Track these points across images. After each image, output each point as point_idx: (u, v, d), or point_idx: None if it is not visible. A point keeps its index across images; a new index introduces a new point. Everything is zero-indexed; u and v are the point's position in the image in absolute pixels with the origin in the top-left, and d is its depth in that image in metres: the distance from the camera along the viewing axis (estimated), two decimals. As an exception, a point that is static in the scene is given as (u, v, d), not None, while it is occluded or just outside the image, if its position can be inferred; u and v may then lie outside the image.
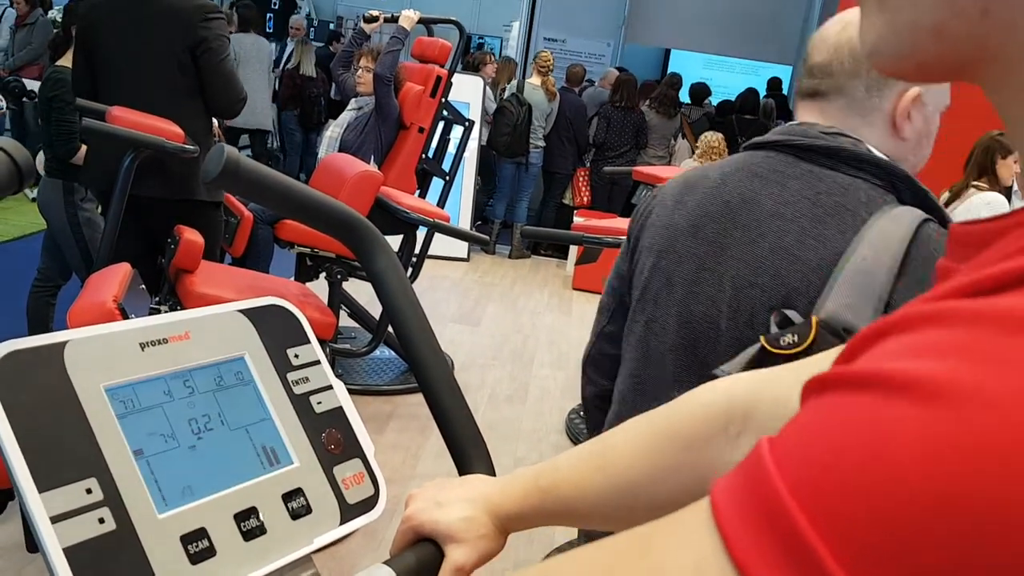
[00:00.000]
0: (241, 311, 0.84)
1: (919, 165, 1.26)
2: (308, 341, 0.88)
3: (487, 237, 4.32)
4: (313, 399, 0.84)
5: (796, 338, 0.93)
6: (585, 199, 7.79)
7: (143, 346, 0.75)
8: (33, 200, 6.24)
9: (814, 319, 0.94)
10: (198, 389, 0.77)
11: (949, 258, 0.43)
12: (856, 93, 1.21)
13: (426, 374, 0.93)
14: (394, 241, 4.66)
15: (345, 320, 4.34)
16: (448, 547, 0.79)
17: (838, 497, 0.32)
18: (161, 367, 0.75)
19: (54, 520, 0.63)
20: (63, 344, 0.70)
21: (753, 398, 0.70)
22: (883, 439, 0.32)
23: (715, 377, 0.80)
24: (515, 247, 7.65)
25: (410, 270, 4.15)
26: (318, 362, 0.87)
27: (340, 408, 0.86)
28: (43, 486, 0.63)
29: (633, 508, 0.74)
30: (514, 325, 5.63)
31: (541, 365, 4.91)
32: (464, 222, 7.10)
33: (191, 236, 2.69)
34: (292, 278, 3.94)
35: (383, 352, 4.37)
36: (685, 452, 0.72)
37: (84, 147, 3.29)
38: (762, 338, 0.96)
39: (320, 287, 3.69)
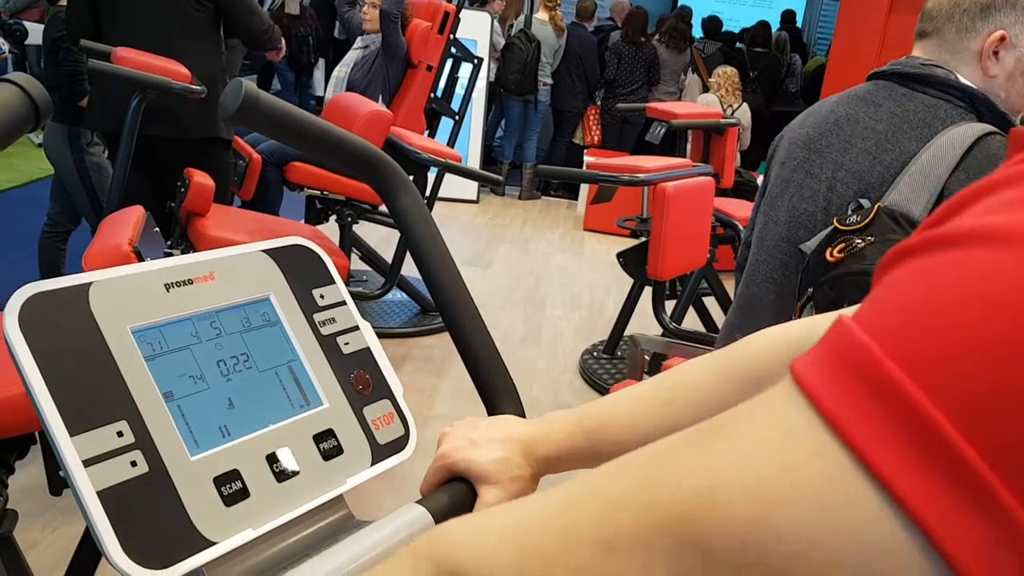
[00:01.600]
0: (265, 251, 0.82)
1: (1018, 102, 1.46)
2: (333, 281, 0.86)
3: (500, 177, 4.28)
4: (340, 340, 0.83)
5: (858, 218, 1.07)
6: (595, 138, 7.70)
7: (168, 287, 0.73)
8: (39, 145, 6.20)
9: (877, 205, 1.09)
10: (225, 330, 0.75)
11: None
12: (949, 34, 1.46)
13: (453, 314, 0.91)
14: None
15: (356, 263, 4.33)
16: (481, 488, 0.78)
17: (950, 360, 0.31)
18: (187, 308, 0.74)
19: (86, 463, 0.62)
20: (88, 286, 0.69)
21: (814, 340, 0.68)
22: (995, 290, 0.30)
23: (803, 254, 0.85)
24: (525, 188, 7.59)
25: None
26: (344, 303, 0.86)
27: (367, 349, 0.85)
28: (74, 429, 0.62)
29: None
30: (526, 267, 5.61)
31: (554, 306, 4.91)
32: (473, 163, 7.03)
33: (201, 179, 2.66)
34: (302, 221, 3.92)
35: (395, 295, 4.36)
36: (749, 390, 0.70)
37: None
38: (835, 219, 1.11)
39: (330, 230, 3.67)
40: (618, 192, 3.02)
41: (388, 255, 4.22)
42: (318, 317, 0.83)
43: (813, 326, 0.72)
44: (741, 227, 3.45)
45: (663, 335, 3.45)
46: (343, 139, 0.90)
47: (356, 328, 0.85)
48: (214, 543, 0.66)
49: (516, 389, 0.91)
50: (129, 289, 0.71)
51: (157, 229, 1.95)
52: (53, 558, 2.28)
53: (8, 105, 0.67)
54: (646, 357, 2.80)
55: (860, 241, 1.10)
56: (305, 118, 0.86)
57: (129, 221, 1.59)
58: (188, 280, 0.75)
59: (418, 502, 0.76)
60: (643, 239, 3.90)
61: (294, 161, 3.72)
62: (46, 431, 0.62)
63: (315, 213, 3.98)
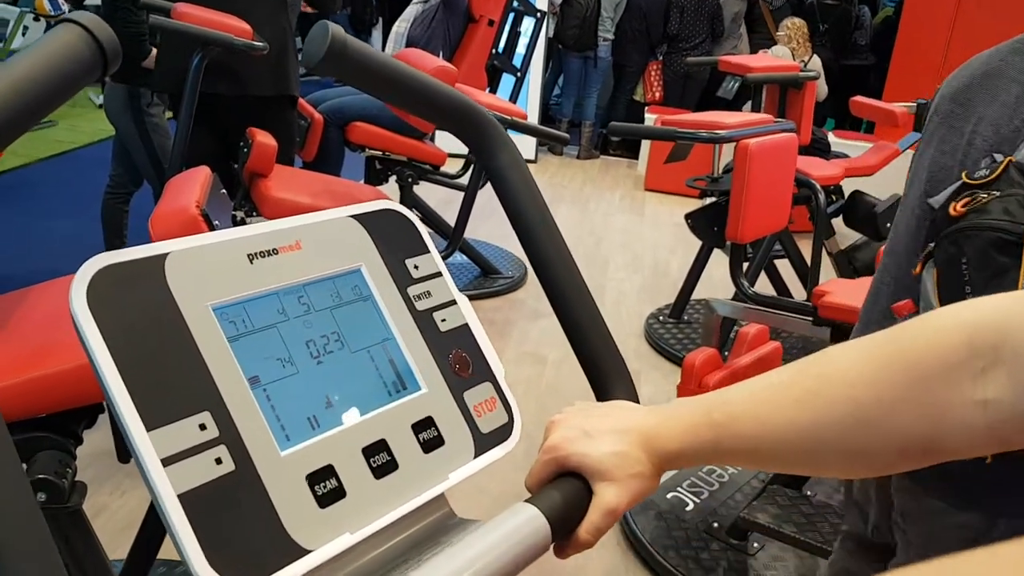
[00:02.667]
0: (354, 217, 0.74)
1: None
2: (427, 250, 0.77)
3: (567, 135, 4.15)
4: (437, 316, 0.74)
5: (987, 172, 0.98)
6: (657, 95, 7.48)
7: (252, 258, 0.65)
8: (100, 106, 6.22)
9: (1008, 159, 1.00)
10: (314, 306, 0.67)
11: None
12: None
13: (558, 285, 0.82)
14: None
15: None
16: (598, 485, 0.69)
17: None
18: (273, 282, 0.65)
19: (166, 462, 0.54)
20: (163, 257, 0.61)
21: (1005, 324, 0.57)
22: None
23: (931, 208, 0.84)
24: (584, 147, 7.43)
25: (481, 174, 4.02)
26: (439, 274, 0.77)
27: (466, 326, 0.76)
28: (151, 423, 0.54)
29: (835, 450, 0.63)
30: (586, 228, 5.48)
31: (616, 268, 4.79)
32: (531, 122, 6.88)
33: (264, 139, 2.59)
34: (362, 182, 3.85)
35: (456, 258, 4.28)
36: (917, 385, 0.59)
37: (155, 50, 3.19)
38: (963, 173, 1.02)
39: (390, 191, 3.60)
40: (695, 149, 2.87)
41: (448, 216, 4.14)
42: (412, 290, 0.74)
43: (995, 307, 0.60)
44: (818, 186, 3.28)
45: (735, 299, 3.32)
46: (436, 89, 0.80)
47: (453, 303, 0.76)
48: (309, 551, 0.58)
49: (628, 371, 0.81)
50: (209, 261, 0.63)
51: (224, 191, 1.88)
52: (122, 523, 2.26)
53: (71, 49, 0.59)
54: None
55: (984, 195, 1.00)
56: (396, 66, 0.77)
57: (196, 182, 1.52)
58: (272, 250, 0.67)
59: (529, 501, 0.67)
60: (713, 200, 3.77)
61: (356, 121, 3.64)
62: (119, 424, 0.54)
63: (375, 174, 3.91)
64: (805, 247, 3.69)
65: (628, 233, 5.47)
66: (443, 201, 4.63)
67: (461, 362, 0.74)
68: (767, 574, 2.36)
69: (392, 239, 0.75)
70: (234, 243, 0.65)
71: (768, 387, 0.68)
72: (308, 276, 0.68)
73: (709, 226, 3.68)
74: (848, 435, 0.63)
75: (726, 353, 2.65)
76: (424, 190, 4.28)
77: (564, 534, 0.69)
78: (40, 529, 0.46)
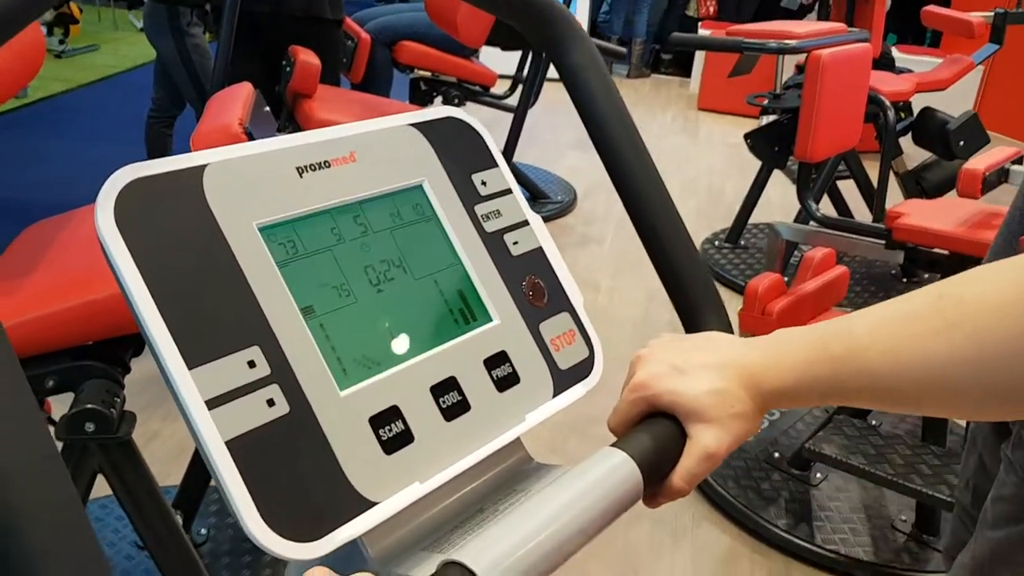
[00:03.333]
0: (414, 125, 0.65)
1: None
2: (495, 163, 0.68)
3: (622, 49, 3.97)
4: (508, 238, 0.66)
5: None
6: (711, 9, 7.17)
7: (301, 171, 0.57)
8: (141, 30, 6.14)
9: None
10: (372, 227, 0.59)
11: None
12: None
13: (642, 203, 0.73)
14: (511, 59, 4.36)
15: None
16: (693, 427, 0.61)
17: None
18: (326, 198, 0.57)
19: (211, 405, 0.47)
20: (201, 170, 0.53)
21: None
22: None
23: None
24: (634, 65, 7.19)
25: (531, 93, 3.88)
26: (509, 191, 0.68)
27: (540, 249, 0.68)
28: (193, 360, 0.47)
29: (981, 388, 0.54)
30: (637, 149, 5.30)
31: (670, 191, 4.64)
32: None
33: (306, 57, 2.50)
34: (407, 103, 3.74)
35: (504, 180, 4.17)
36: None
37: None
38: None
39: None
40: (761, 61, 2.71)
41: (497, 141, 4.01)
42: (480, 209, 0.65)
43: None
44: (887, 102, 3.10)
45: (798, 222, 3.19)
46: (504, -20, 0.70)
47: (525, 223, 0.68)
48: (374, 503, 0.51)
49: (720, 298, 0.73)
50: (253, 174, 0.55)
51: (268, 109, 1.80)
52: (173, 450, 2.26)
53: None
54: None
55: None
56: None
57: (238, 99, 1.44)
58: (324, 162, 0.58)
59: (615, 445, 0.59)
60: (774, 118, 3.59)
61: (404, 40, 3.52)
62: (157, 362, 0.47)
63: (420, 95, 3.79)
64: (870, 168, 3.52)
65: (681, 155, 5.30)
66: (487, 123, 4.50)
67: (536, 290, 0.65)
68: (831, 505, 2.29)
69: (457, 151, 0.66)
70: (281, 154, 0.56)
71: (898, 315, 0.58)
72: (365, 192, 0.59)
73: (769, 146, 3.51)
74: (997, 372, 0.53)
75: (788, 280, 2.53)
76: (471, 112, 4.16)
77: (655, 481, 0.61)
78: (55, 465, 0.40)
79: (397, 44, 3.49)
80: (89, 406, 1.25)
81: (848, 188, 3.78)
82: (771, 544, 2.19)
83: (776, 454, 2.43)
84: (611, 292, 3.39)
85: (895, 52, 5.58)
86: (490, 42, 3.45)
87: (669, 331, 0.70)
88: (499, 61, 4.87)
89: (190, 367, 0.47)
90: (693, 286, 0.72)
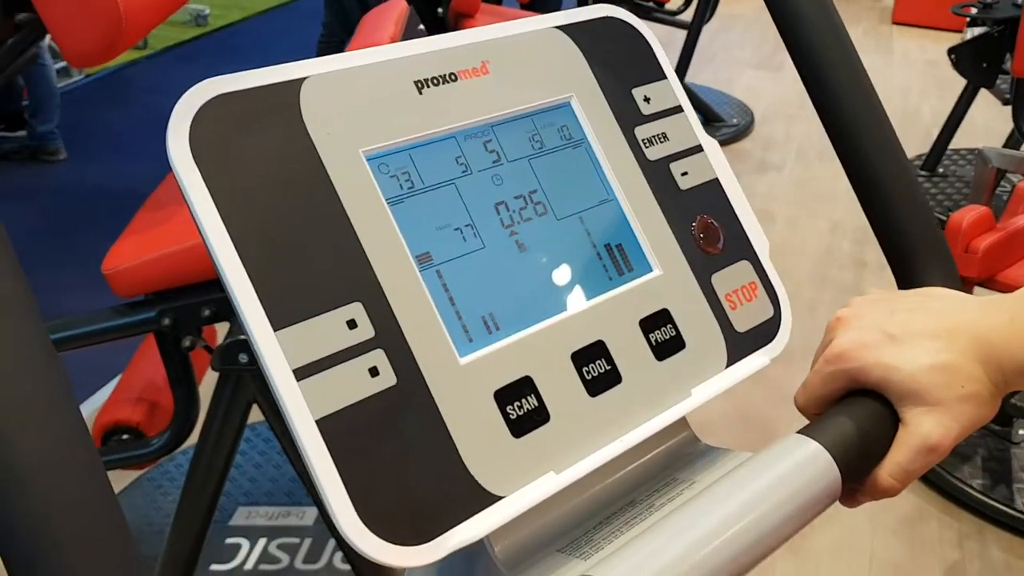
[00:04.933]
0: (561, 28, 0.53)
1: None
2: (663, 75, 0.56)
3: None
4: (675, 168, 0.54)
5: None
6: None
7: (420, 86, 0.47)
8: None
9: None
10: (506, 156, 0.48)
11: None
12: None
13: (847, 122, 0.58)
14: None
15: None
16: (910, 411, 0.48)
17: None
18: (450, 120, 0.47)
19: (301, 374, 0.38)
20: (298, 84, 0.43)
21: None
22: None
23: None
24: (820, -23, 6.63)
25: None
26: (679, 108, 0.56)
27: (716, 182, 0.55)
28: (281, 319, 0.39)
29: None
30: (822, 68, 4.91)
31: (857, 114, 4.27)
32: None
33: (469, -26, 2.39)
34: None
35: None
36: None
37: None
38: None
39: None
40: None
41: (670, 60, 3.80)
42: (642, 132, 0.53)
43: None
44: None
45: (1009, 147, 2.83)
46: None
47: (698, 149, 0.55)
48: (499, 497, 0.41)
49: (949, 249, 0.58)
50: (362, 90, 0.45)
51: (423, 27, 1.71)
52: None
53: None
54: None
55: None
56: None
57: (390, 16, 1.35)
58: (450, 75, 0.48)
59: (806, 431, 0.47)
60: (983, 30, 3.19)
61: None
62: (239, 320, 0.39)
63: (588, 13, 3.62)
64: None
65: (872, 74, 4.77)
66: (663, 41, 4.26)
67: (709, 232, 0.53)
68: (1036, 467, 2.05)
69: (614, 60, 0.54)
70: (396, 65, 0.46)
71: None
72: (499, 112, 0.48)
73: (977, 61, 3.14)
74: None
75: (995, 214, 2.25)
76: (641, 30, 3.95)
77: (858, 477, 0.49)
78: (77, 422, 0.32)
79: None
80: (243, 337, 1.24)
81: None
82: (963, 505, 1.99)
83: (974, 407, 2.19)
84: (789, 223, 3.16)
85: None
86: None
87: (853, 267, 0.56)
88: (673, -25, 4.60)
89: (276, 328, 0.38)
90: (911, 229, 0.57)
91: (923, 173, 3.49)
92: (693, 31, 3.55)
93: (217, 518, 1.84)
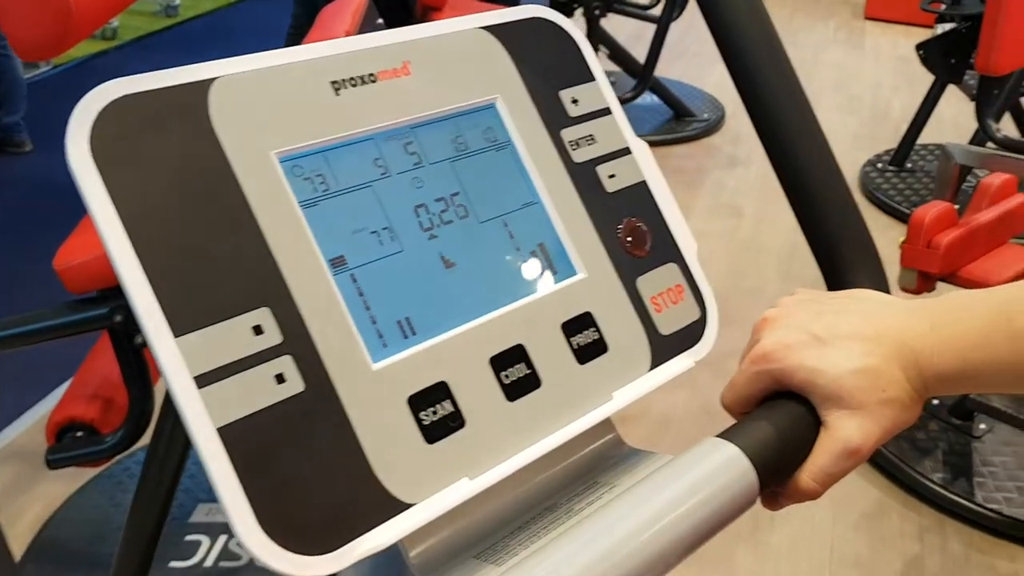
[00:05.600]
0: (487, 28, 0.53)
1: None
2: (591, 77, 0.56)
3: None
4: (602, 170, 0.53)
5: None
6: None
7: (337, 87, 0.46)
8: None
9: None
10: (427, 157, 0.48)
11: None
12: None
13: (775, 117, 0.58)
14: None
15: (604, 62, 3.94)
16: (832, 413, 0.48)
17: None
18: (368, 122, 0.46)
19: (202, 381, 0.38)
20: (207, 84, 0.43)
21: None
22: None
23: None
24: (794, -28, 6.66)
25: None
26: (607, 111, 0.55)
27: (643, 184, 0.55)
28: (182, 324, 0.38)
29: None
30: (795, 63, 4.88)
31: (828, 110, 4.28)
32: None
33: (437, -34, 2.37)
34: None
35: (646, 98, 3.96)
36: None
37: None
38: None
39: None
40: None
41: (638, 54, 3.80)
42: (569, 134, 0.53)
43: None
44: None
45: (975, 143, 2.85)
46: None
47: (626, 151, 0.55)
48: (409, 505, 0.41)
49: (875, 246, 0.58)
50: (276, 91, 0.44)
51: (382, 21, 1.70)
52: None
53: None
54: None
55: None
56: None
57: (348, 10, 1.34)
58: (369, 76, 0.47)
59: (725, 435, 0.47)
60: (951, 26, 3.21)
61: (538, -54, 3.34)
62: (139, 325, 0.38)
63: (559, 6, 3.61)
64: (1066, 81, 3.10)
65: (843, 69, 4.88)
66: (632, 36, 4.27)
67: (634, 235, 0.53)
68: (995, 460, 2.07)
69: (542, 61, 0.54)
70: (311, 65, 0.46)
71: None
72: (420, 114, 0.48)
73: (945, 57, 3.16)
74: None
75: (959, 208, 2.27)
76: (614, 25, 3.94)
77: (778, 480, 0.49)
78: None
79: (534, -48, 3.32)
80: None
81: (1036, 105, 3.36)
82: (924, 499, 2.01)
83: (935, 401, 2.21)
84: (757, 219, 3.17)
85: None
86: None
87: (819, 269, 0.57)
88: (646, -31, 4.59)
89: (177, 334, 0.38)
90: (839, 230, 0.57)
91: (892, 168, 3.52)
92: (662, 25, 3.56)
93: (176, 515, 1.83)
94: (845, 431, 0.48)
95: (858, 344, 0.48)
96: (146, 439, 1.41)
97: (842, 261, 0.57)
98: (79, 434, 1.35)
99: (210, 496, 1.92)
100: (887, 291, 0.55)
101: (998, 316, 0.46)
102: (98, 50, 4.73)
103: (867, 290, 0.54)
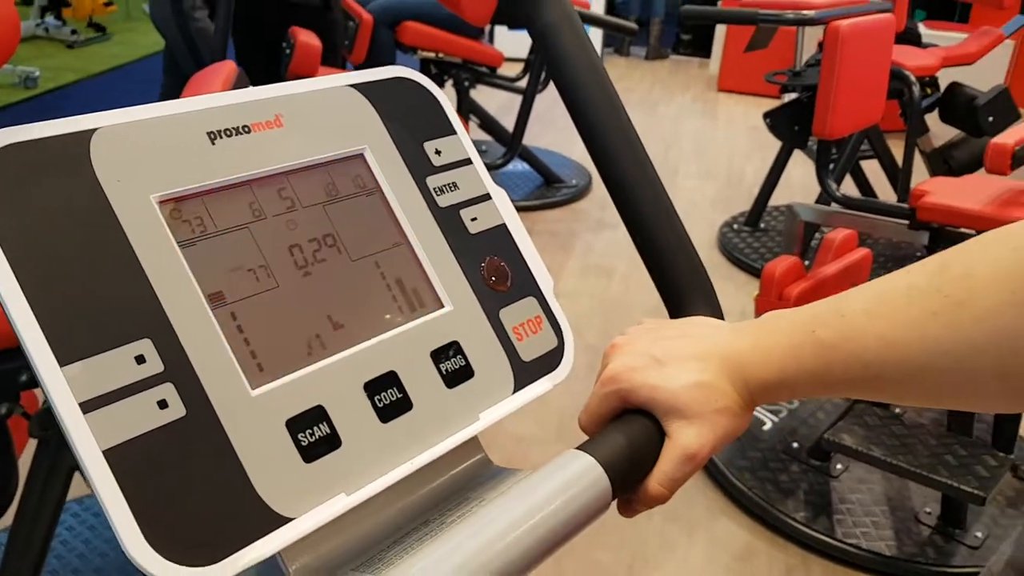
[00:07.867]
0: (355, 86, 0.57)
1: None
2: (453, 131, 0.61)
3: (634, 25, 3.87)
4: (465, 214, 0.58)
5: None
6: (730, -11, 7.03)
7: (213, 137, 0.50)
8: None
9: None
10: (300, 201, 0.52)
11: None
12: None
13: (621, 175, 0.65)
14: (521, 41, 4.28)
15: (474, 131, 4.07)
16: (672, 424, 0.54)
17: None
18: (243, 168, 0.50)
19: (87, 408, 0.40)
20: (89, 134, 0.45)
21: None
22: None
23: None
24: (652, 46, 7.06)
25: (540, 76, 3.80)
26: (468, 161, 0.61)
27: (503, 227, 0.60)
28: (66, 355, 0.40)
29: (988, 380, 0.46)
30: (655, 133, 5.21)
31: (687, 176, 4.54)
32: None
33: (306, 38, 2.43)
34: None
35: (517, 166, 4.10)
36: None
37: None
38: None
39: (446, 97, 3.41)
40: (779, 34, 2.61)
41: (508, 123, 3.94)
42: (433, 181, 0.58)
43: None
44: (912, 78, 2.98)
45: (819, 203, 3.08)
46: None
47: (487, 197, 0.60)
48: (288, 519, 0.44)
49: (709, 279, 0.65)
50: (155, 140, 0.47)
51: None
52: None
53: None
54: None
55: None
56: None
57: (218, 77, 1.37)
58: (243, 127, 0.51)
59: (582, 447, 0.52)
60: (795, 96, 3.48)
61: (407, 20, 3.44)
62: (27, 357, 0.40)
63: (430, 78, 3.72)
64: (895, 146, 3.41)
65: (700, 138, 5.18)
66: (503, 107, 4.42)
67: (496, 272, 0.58)
68: (852, 497, 2.20)
69: (407, 116, 0.59)
70: (189, 117, 0.49)
71: (894, 295, 0.50)
72: (292, 161, 0.52)
73: (790, 125, 3.41)
74: (1010, 356, 0.45)
75: (808, 263, 2.44)
76: (484, 96, 4.07)
77: (629, 487, 0.54)
78: None
79: (400, 24, 3.42)
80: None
81: (873, 169, 3.67)
82: (789, 538, 2.11)
83: (795, 444, 2.34)
84: (626, 278, 3.31)
85: (922, 28, 5.42)
86: (496, 20, 3.38)
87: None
88: (510, 43, 4.78)
89: (63, 363, 0.40)
90: (677, 266, 0.64)
91: (747, 228, 3.74)
92: (528, 95, 3.71)
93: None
94: (684, 439, 0.53)
95: (692, 363, 0.54)
96: (8, 519, 1.35)
97: (680, 293, 0.63)
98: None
99: (77, 577, 1.83)
100: (721, 317, 0.62)
101: (803, 329, 0.53)
102: (-50, 121, 4.54)
103: (702, 317, 0.61)
